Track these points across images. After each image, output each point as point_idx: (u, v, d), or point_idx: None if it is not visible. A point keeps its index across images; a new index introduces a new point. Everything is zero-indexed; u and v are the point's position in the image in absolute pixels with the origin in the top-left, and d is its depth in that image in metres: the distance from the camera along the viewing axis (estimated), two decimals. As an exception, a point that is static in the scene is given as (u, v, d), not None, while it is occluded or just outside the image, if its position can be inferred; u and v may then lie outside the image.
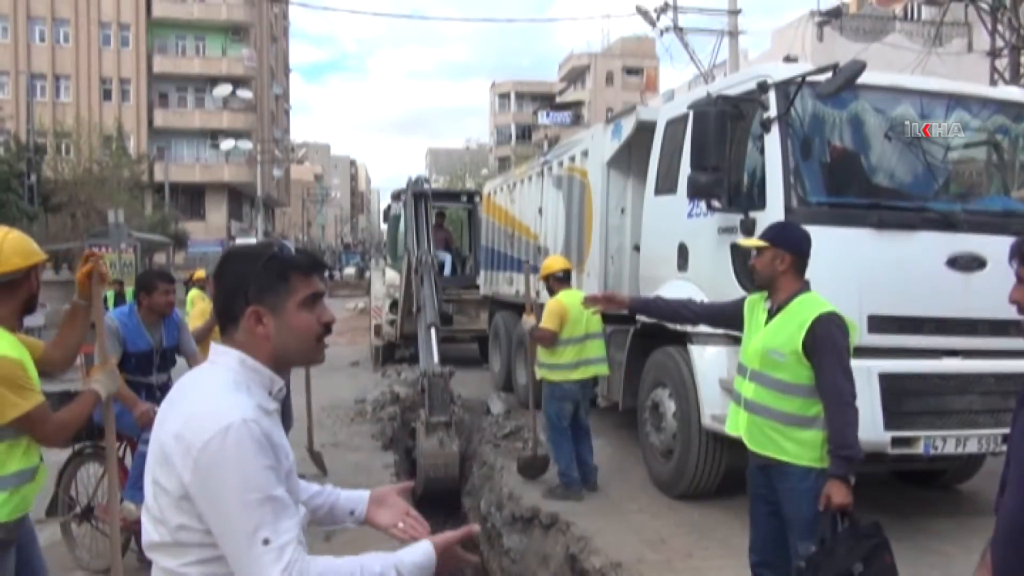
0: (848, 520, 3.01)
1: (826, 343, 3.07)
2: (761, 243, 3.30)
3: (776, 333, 3.21)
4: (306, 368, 6.63)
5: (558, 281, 6.10)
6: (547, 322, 5.87)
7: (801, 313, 3.15)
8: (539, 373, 6.11)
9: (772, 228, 3.45)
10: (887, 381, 4.47)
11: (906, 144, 5.19)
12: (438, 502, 6.86)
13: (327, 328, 1.61)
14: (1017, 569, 1.67)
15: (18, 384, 2.53)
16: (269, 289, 1.54)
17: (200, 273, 9.19)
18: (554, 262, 6.33)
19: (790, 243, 3.25)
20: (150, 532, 1.50)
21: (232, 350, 1.55)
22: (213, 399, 1.47)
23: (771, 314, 3.28)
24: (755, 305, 3.41)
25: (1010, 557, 1.69)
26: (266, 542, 1.39)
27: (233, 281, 1.56)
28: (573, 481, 5.89)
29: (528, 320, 6.17)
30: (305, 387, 6.71)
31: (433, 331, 8.12)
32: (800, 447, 3.12)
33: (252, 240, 42.61)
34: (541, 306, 6.30)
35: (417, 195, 10.39)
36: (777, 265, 3.21)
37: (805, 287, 3.25)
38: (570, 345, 5.90)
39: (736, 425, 3.42)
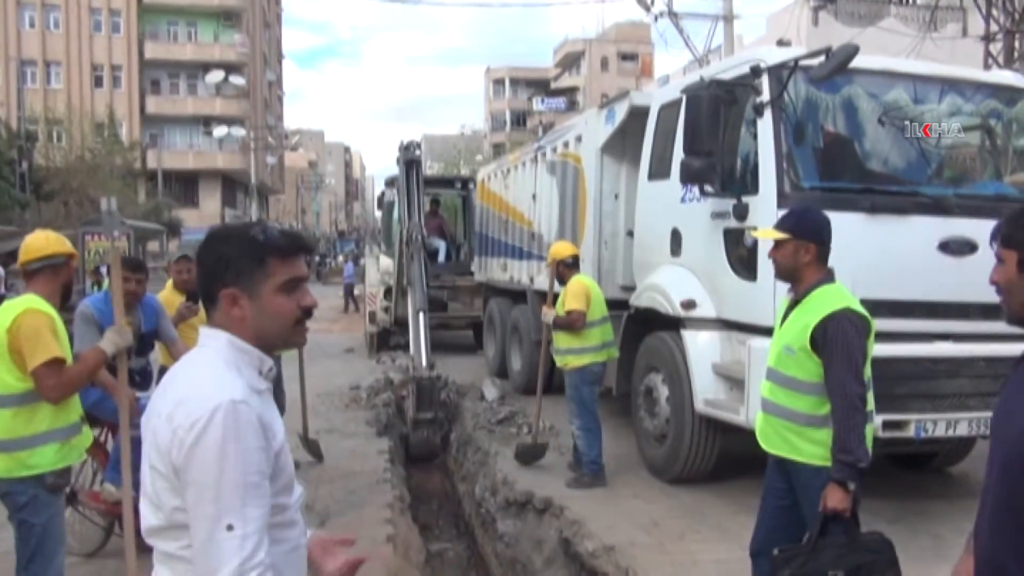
0: (846, 526, 2.89)
1: (836, 341, 2.90)
2: (782, 235, 3.06)
3: (791, 327, 3.06)
4: (300, 356, 6.62)
5: (567, 267, 6.07)
6: (576, 303, 5.81)
7: (817, 307, 2.98)
8: (563, 360, 5.98)
9: (792, 216, 3.18)
10: (878, 365, 4.42)
11: (899, 129, 5.19)
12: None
13: (307, 312, 1.60)
14: (1002, 558, 1.66)
15: (55, 333, 3.00)
16: (245, 272, 1.53)
17: None
18: (563, 248, 6.26)
19: (813, 233, 3.05)
20: (149, 517, 1.51)
21: (220, 332, 1.55)
22: (203, 381, 1.48)
23: (791, 307, 3.11)
24: (784, 305, 3.23)
25: (997, 545, 1.69)
26: (230, 528, 1.39)
27: (212, 263, 1.56)
28: (601, 469, 5.87)
29: (548, 312, 6.09)
30: (299, 375, 6.70)
31: (422, 316, 8.32)
32: (814, 446, 2.99)
33: (244, 226, 42.50)
34: (555, 296, 6.20)
35: (408, 162, 10.29)
36: (801, 257, 3.03)
37: (828, 277, 3.06)
38: (596, 327, 5.92)
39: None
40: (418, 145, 10.87)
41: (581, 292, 5.86)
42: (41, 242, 3.23)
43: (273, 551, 1.48)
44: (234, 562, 1.37)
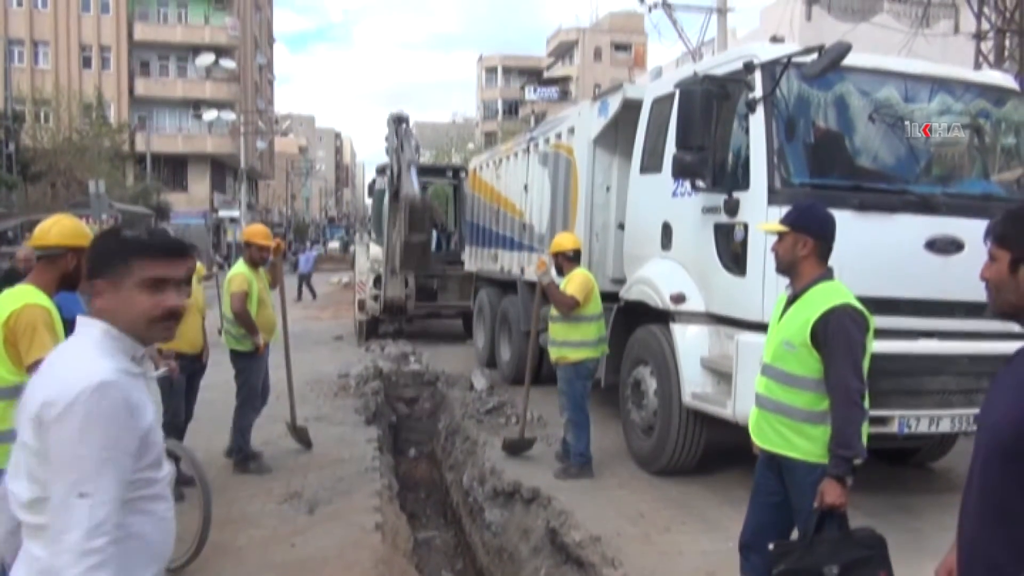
0: (840, 521, 2.91)
1: (838, 337, 2.92)
2: (781, 228, 3.11)
3: (790, 322, 3.06)
4: (285, 344, 6.59)
5: (568, 260, 5.99)
6: (576, 292, 5.75)
7: (816, 302, 2.99)
8: (559, 353, 5.92)
9: (794, 211, 3.21)
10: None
11: (889, 126, 5.23)
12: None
13: (169, 313, 1.72)
14: (990, 549, 1.71)
15: (51, 328, 2.93)
16: (109, 267, 1.69)
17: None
18: (566, 240, 6.15)
19: (813, 227, 3.08)
20: (22, 492, 1.59)
21: (97, 321, 1.69)
22: (72, 364, 1.61)
23: (789, 302, 3.13)
24: (781, 301, 3.24)
25: (979, 535, 1.74)
26: (83, 495, 1.50)
27: (91, 257, 1.74)
28: (589, 461, 5.90)
29: (543, 267, 5.94)
30: (286, 363, 6.68)
31: (413, 170, 9.24)
32: (810, 443, 3.01)
33: (235, 213, 42.23)
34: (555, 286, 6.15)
35: (398, 119, 11.09)
36: (799, 250, 3.06)
37: (827, 274, 3.09)
38: (595, 322, 5.90)
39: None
40: (407, 117, 11.34)
41: (586, 285, 5.81)
42: (44, 229, 3.15)
43: (140, 520, 1.61)
44: (84, 525, 1.48)
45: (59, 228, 3.17)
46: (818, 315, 2.96)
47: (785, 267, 3.14)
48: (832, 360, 2.95)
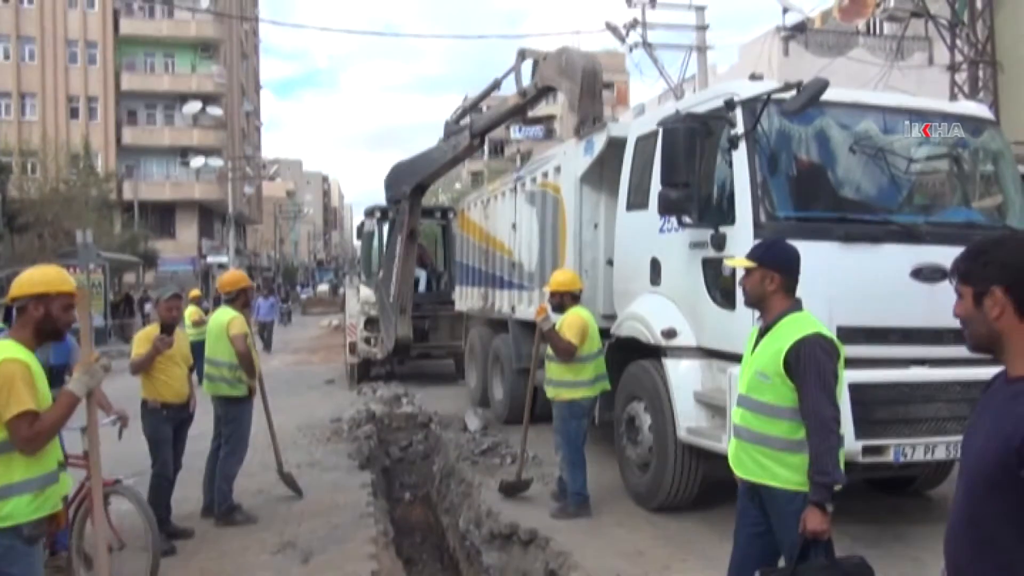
0: (825, 549, 2.94)
1: (809, 366, 2.99)
2: (748, 263, 3.21)
3: (763, 353, 3.14)
4: (262, 390, 6.38)
5: (573, 298, 5.97)
6: (572, 336, 5.72)
7: (787, 333, 3.07)
8: (555, 392, 5.88)
9: (759, 247, 3.35)
10: (857, 391, 4.54)
11: (870, 158, 5.32)
12: None
13: None
14: (966, 567, 1.76)
15: (29, 382, 2.85)
16: None
17: (195, 292, 8.97)
18: (572, 280, 6.09)
19: (778, 262, 3.19)
20: None
21: None
22: None
23: (761, 334, 3.22)
24: (753, 334, 3.32)
25: (962, 558, 1.79)
26: None
27: None
28: (586, 500, 5.84)
29: (544, 314, 5.89)
30: (264, 408, 6.50)
31: None
32: (790, 471, 3.05)
33: (223, 258, 42.16)
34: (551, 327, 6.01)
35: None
36: (766, 285, 3.16)
37: (796, 306, 3.17)
38: (590, 361, 5.86)
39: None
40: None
41: (581, 327, 5.76)
42: (18, 281, 3.08)
43: None
44: None
45: (20, 279, 3.09)
46: (789, 345, 3.04)
47: (754, 301, 3.25)
48: (805, 388, 3.01)
